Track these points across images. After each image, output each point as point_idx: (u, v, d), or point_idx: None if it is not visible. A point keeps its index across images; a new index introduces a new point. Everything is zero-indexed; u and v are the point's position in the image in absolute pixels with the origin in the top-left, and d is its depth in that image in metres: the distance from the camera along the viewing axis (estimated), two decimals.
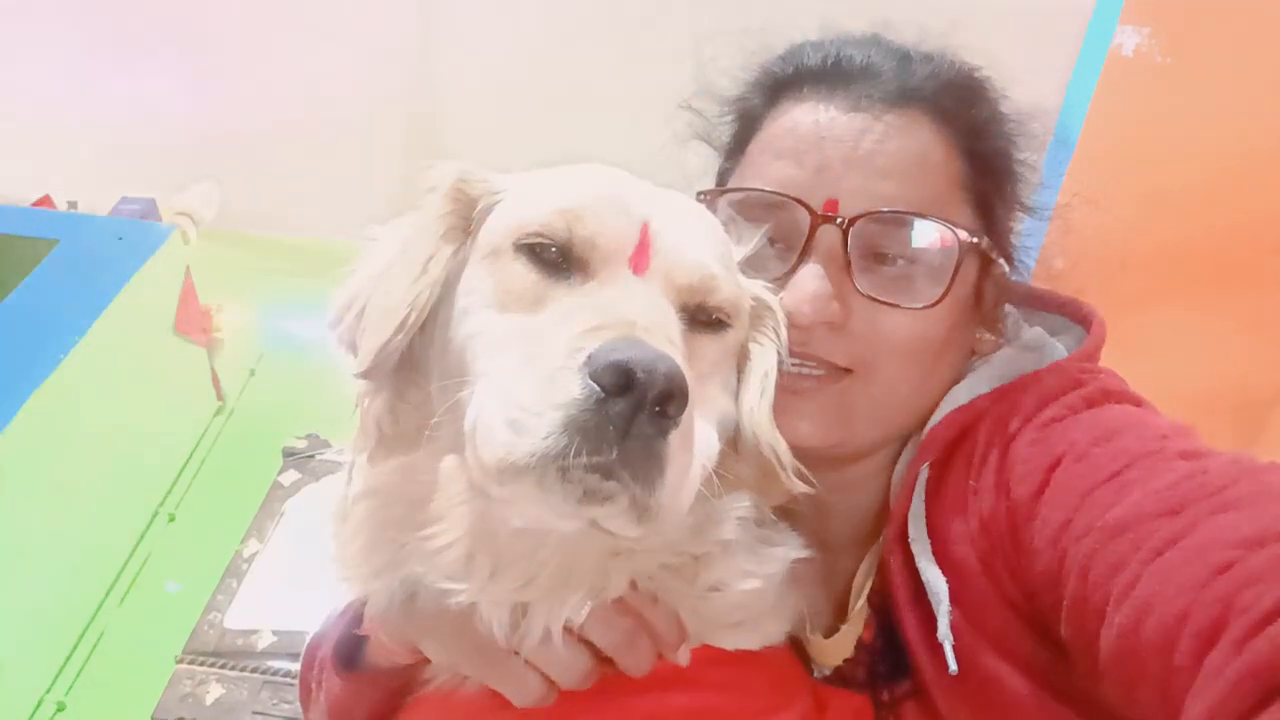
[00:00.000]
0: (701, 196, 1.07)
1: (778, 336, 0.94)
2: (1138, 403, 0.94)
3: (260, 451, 2.73)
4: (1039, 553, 0.83)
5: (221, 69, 3.39)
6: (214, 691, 2.01)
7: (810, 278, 0.96)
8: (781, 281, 0.98)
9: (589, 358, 0.69)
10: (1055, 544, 0.81)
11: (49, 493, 2.43)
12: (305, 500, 2.44)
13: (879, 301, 0.97)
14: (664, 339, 0.73)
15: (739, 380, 0.92)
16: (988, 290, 1.05)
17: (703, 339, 0.86)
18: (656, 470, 0.69)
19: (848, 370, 0.98)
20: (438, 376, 0.86)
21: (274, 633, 2.12)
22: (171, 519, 2.89)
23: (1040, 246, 2.48)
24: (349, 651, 0.99)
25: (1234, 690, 0.59)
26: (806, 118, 1.01)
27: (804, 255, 0.98)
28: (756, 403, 0.90)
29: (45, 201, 2.96)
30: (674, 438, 0.70)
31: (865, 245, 0.98)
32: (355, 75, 3.36)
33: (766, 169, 1.03)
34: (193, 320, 2.91)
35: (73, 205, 3.01)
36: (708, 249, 0.87)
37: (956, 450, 0.97)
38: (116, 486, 2.70)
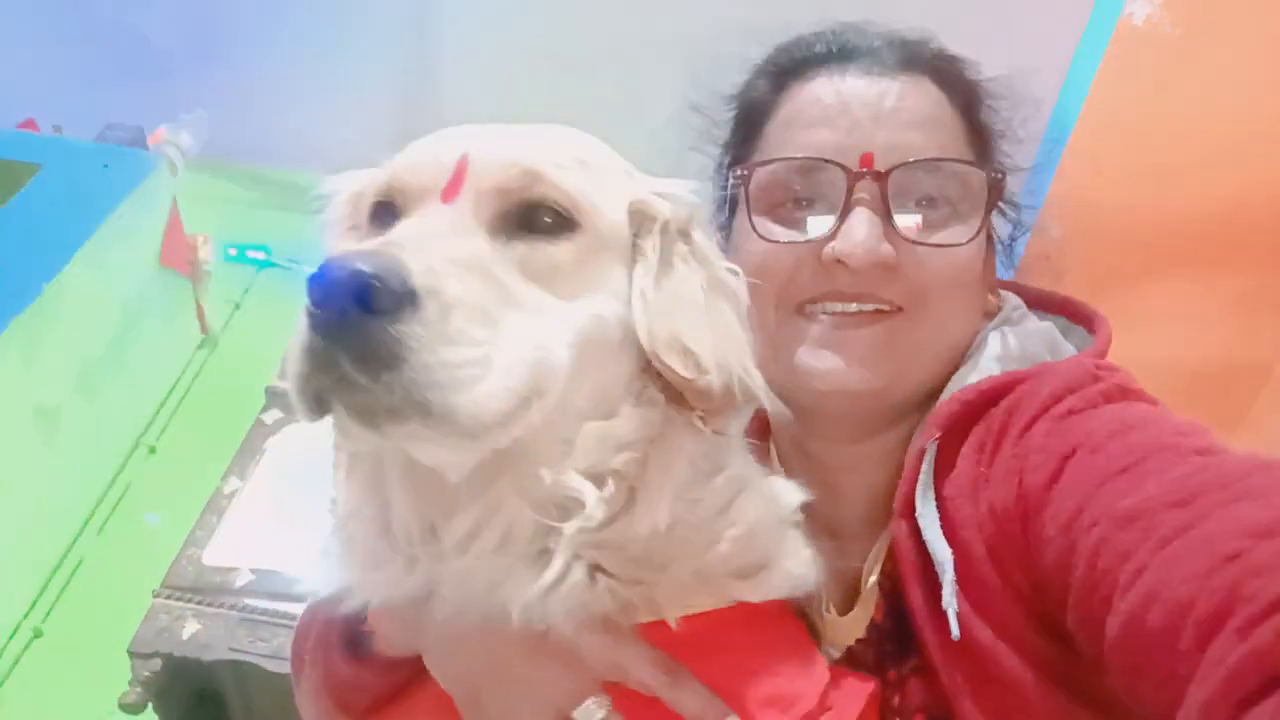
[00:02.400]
0: (739, 173, 1.10)
1: (654, 241, 0.89)
2: (1153, 402, 0.94)
3: (244, 387, 2.71)
4: (1050, 541, 0.83)
5: None
6: (190, 627, 2.00)
7: (860, 223, 1.01)
8: (828, 238, 1.02)
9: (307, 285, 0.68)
10: (1066, 533, 0.81)
11: (29, 420, 2.42)
12: (288, 440, 2.42)
13: (922, 244, 1.02)
14: (416, 250, 0.71)
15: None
16: (992, 241, 1.12)
17: (540, 245, 0.81)
18: (391, 367, 0.67)
19: (899, 310, 1.02)
20: None
21: (252, 571, 2.11)
22: (152, 451, 2.89)
23: (1036, 213, 2.47)
24: (353, 635, 0.97)
25: (1236, 678, 0.59)
26: (827, 89, 1.07)
27: (846, 210, 1.02)
28: (638, 308, 0.85)
29: (29, 125, 2.90)
30: (408, 333, 0.67)
31: (902, 194, 1.03)
32: (351, 8, 3.29)
33: (799, 138, 1.07)
34: (178, 252, 2.88)
35: (58, 130, 2.95)
36: (530, 152, 0.83)
37: (967, 431, 0.98)
38: (98, 417, 2.69)
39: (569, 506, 0.80)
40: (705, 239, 0.92)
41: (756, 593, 0.89)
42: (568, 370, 0.78)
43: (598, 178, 0.87)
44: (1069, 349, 1.08)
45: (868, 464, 1.08)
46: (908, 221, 1.03)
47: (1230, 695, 0.58)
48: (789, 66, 1.13)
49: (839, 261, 1.00)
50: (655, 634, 0.84)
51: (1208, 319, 2.52)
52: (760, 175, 1.09)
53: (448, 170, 0.81)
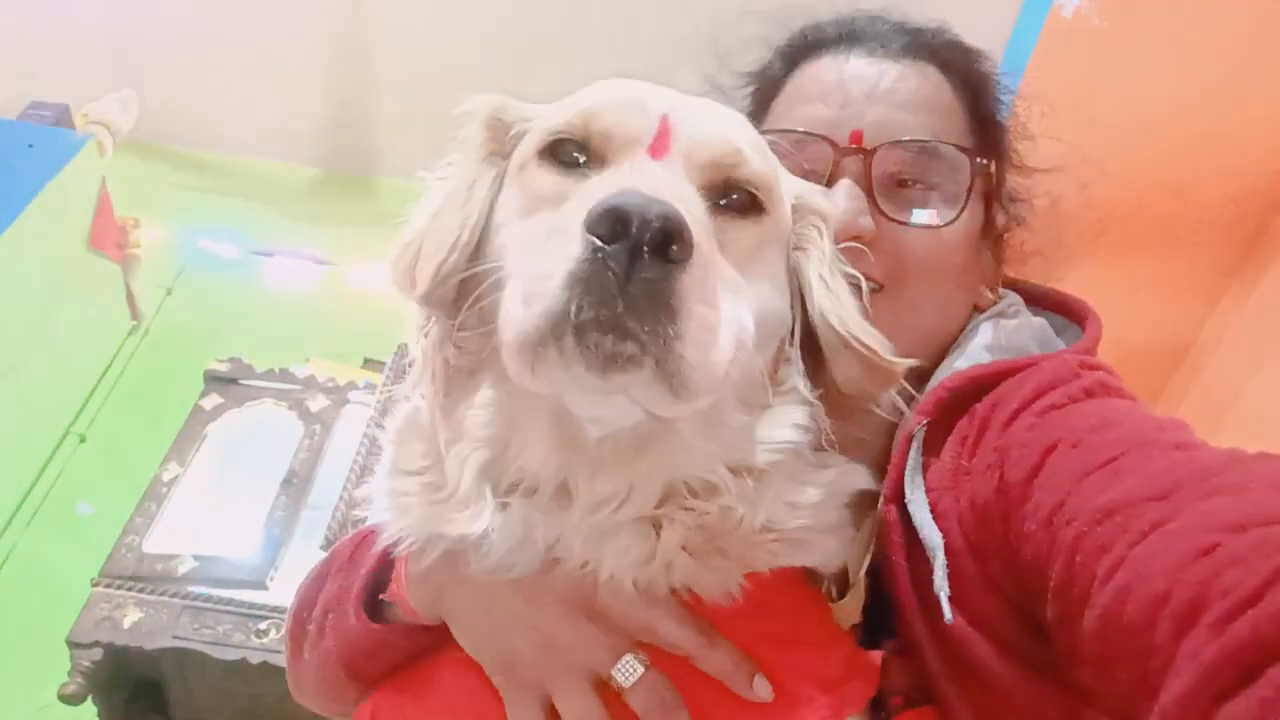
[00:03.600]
0: None
1: (824, 235, 0.92)
2: (1133, 399, 0.95)
3: (177, 373, 2.66)
4: (1029, 535, 0.84)
5: None
6: (132, 615, 1.97)
7: (842, 195, 1.02)
8: None
9: (586, 214, 0.68)
10: (1045, 527, 0.82)
11: None
12: (228, 425, 2.38)
13: (903, 223, 1.04)
14: (673, 198, 0.71)
15: (798, 284, 0.91)
16: (990, 236, 1.13)
17: (734, 223, 0.83)
18: (667, 316, 0.68)
19: (878, 288, 1.01)
20: (488, 297, 0.83)
21: (195, 558, 2.08)
22: (83, 440, 2.81)
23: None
24: (372, 603, 0.95)
25: (1211, 672, 0.59)
26: (830, 67, 1.11)
27: (831, 182, 1.03)
28: (824, 295, 0.87)
29: None
30: (684, 283, 0.69)
31: (887, 173, 1.04)
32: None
33: (796, 112, 1.10)
34: (108, 235, 2.80)
35: None
36: (733, 130, 0.86)
37: (954, 421, 0.98)
38: (24, 404, 2.61)
39: (700, 490, 0.82)
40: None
41: (799, 560, 0.89)
42: (749, 350, 0.79)
43: (775, 165, 0.90)
44: (1059, 345, 1.09)
45: (851, 447, 1.04)
46: (890, 199, 1.05)
47: (1206, 689, 0.59)
48: (802, 47, 1.16)
49: None
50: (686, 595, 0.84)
51: (1126, 302, 2.61)
52: None
53: (652, 124, 0.82)
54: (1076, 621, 0.74)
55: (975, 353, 1.05)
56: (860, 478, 0.94)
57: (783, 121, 1.10)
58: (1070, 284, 2.54)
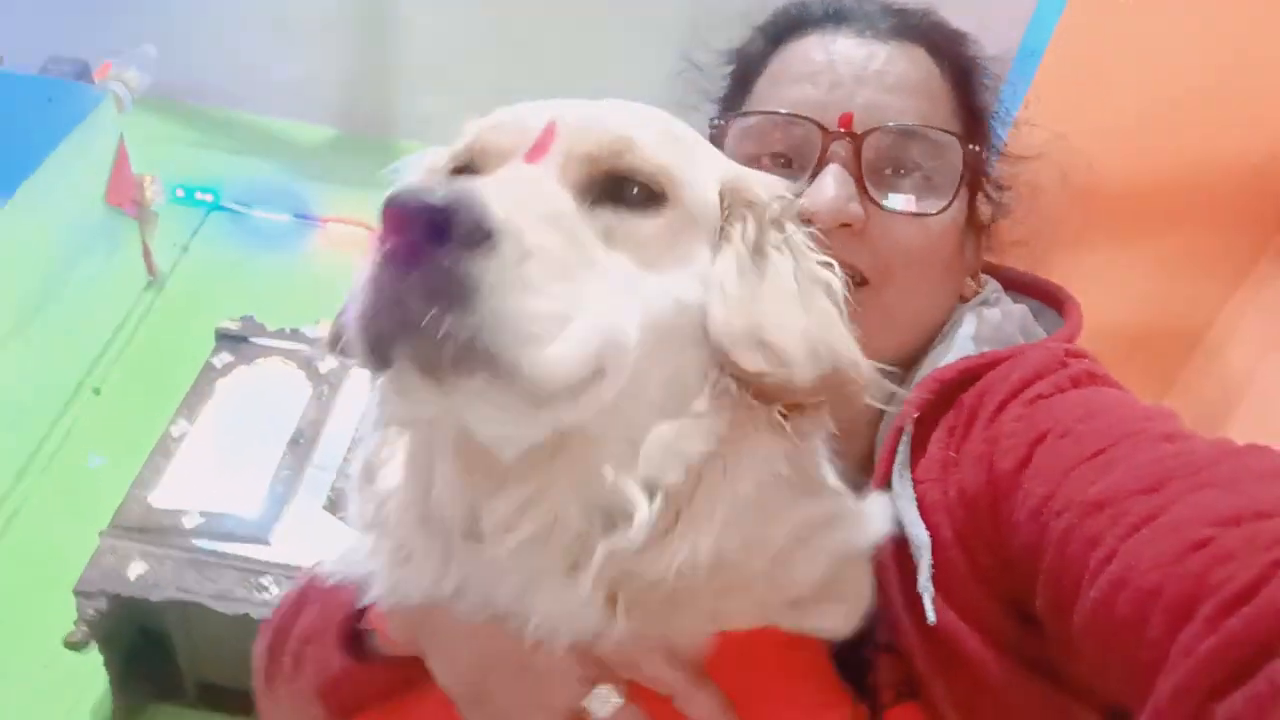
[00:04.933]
0: (715, 123, 1.11)
1: (751, 223, 0.83)
2: (1120, 388, 0.95)
3: (192, 330, 2.68)
4: (1018, 527, 0.83)
5: None
6: (137, 567, 2.00)
7: (831, 181, 0.99)
8: (798, 195, 0.95)
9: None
10: (1035, 519, 0.81)
11: None
12: (237, 383, 2.41)
13: (892, 210, 1.01)
14: (498, 193, 0.66)
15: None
16: (975, 225, 1.11)
17: (631, 216, 0.76)
18: (467, 302, 0.62)
19: (864, 282, 0.99)
20: None
21: (201, 513, 2.10)
22: (96, 393, 2.84)
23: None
24: (352, 633, 0.92)
25: (1204, 669, 0.58)
26: (817, 46, 1.07)
27: (818, 168, 1.00)
28: (717, 295, 0.79)
29: None
30: (485, 268, 0.62)
31: (877, 158, 1.02)
32: None
33: (780, 93, 1.06)
34: (125, 191, 2.82)
35: None
36: (626, 121, 0.80)
37: (940, 413, 0.96)
38: (39, 357, 2.64)
39: (614, 517, 0.74)
40: (799, 232, 0.86)
41: (799, 624, 0.82)
42: (636, 351, 0.72)
43: (688, 153, 0.83)
44: (1040, 332, 1.09)
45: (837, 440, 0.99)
46: (881, 186, 1.02)
47: (1200, 685, 0.58)
48: (786, 25, 1.13)
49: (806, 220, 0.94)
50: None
51: (1143, 284, 2.59)
52: (737, 127, 1.08)
53: (533, 133, 0.77)
54: (1067, 614, 0.73)
55: (962, 343, 1.03)
56: (846, 534, 0.86)
57: (768, 102, 1.07)
58: (1086, 266, 2.53)
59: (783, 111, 1.04)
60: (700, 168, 0.83)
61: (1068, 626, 0.73)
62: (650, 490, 0.74)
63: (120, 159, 2.78)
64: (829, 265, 0.85)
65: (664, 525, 0.74)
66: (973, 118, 1.10)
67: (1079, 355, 0.96)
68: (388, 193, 0.63)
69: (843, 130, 1.01)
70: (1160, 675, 0.62)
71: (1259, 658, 0.56)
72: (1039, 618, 0.80)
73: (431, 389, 0.64)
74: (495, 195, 0.65)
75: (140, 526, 2.09)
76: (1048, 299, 1.14)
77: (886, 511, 0.89)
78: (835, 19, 1.09)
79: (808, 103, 1.03)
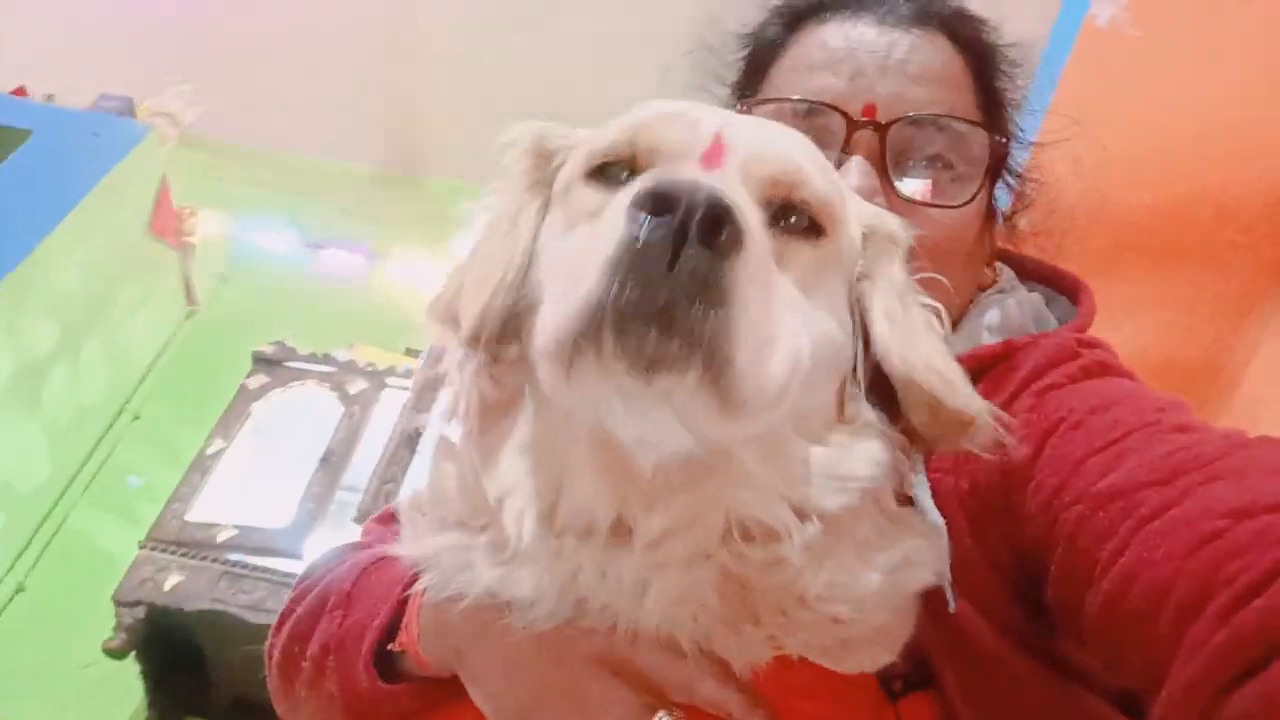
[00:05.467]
0: (738, 109, 1.08)
1: (896, 262, 0.82)
2: (1133, 378, 0.94)
3: (229, 358, 2.77)
4: (1030, 518, 0.82)
5: None
6: (174, 578, 2.07)
7: (856, 173, 0.97)
8: None
9: (630, 196, 0.63)
10: (1047, 510, 0.80)
11: (15, 381, 2.46)
12: (272, 404, 2.49)
13: (916, 203, 0.99)
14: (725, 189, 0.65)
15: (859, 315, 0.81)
16: (993, 214, 1.10)
17: (792, 243, 0.75)
18: (716, 306, 0.61)
19: None
20: (527, 329, 0.76)
21: (235, 527, 2.17)
22: (136, 417, 2.93)
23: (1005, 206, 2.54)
24: (381, 653, 0.89)
25: (1216, 663, 0.59)
26: (836, 33, 1.05)
27: (842, 159, 0.98)
28: (886, 330, 0.78)
29: (20, 92, 2.94)
30: (735, 275, 0.62)
31: (900, 149, 1.00)
32: None
33: (801, 82, 1.04)
34: (168, 223, 2.92)
35: (49, 98, 2.99)
36: (795, 148, 0.80)
37: None
38: (81, 381, 2.73)
39: (759, 535, 0.73)
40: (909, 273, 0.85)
41: (838, 664, 0.79)
42: (806, 374, 0.70)
43: (840, 189, 0.82)
44: (1053, 321, 1.07)
45: None
46: (904, 178, 1.00)
47: (1212, 679, 0.58)
48: (803, 9, 1.10)
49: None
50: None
51: (1163, 314, 2.61)
52: (757, 114, 1.03)
53: (704, 138, 0.75)
54: (1079, 605, 0.73)
55: (978, 333, 1.02)
56: (924, 572, 0.82)
57: (788, 90, 1.04)
58: (1110, 296, 2.56)
59: (807, 100, 1.02)
60: (849, 205, 0.82)
61: (1080, 617, 0.73)
62: (800, 514, 0.73)
63: (163, 192, 2.89)
64: (936, 311, 0.84)
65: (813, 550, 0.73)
66: (993, 105, 1.09)
67: (1092, 344, 0.96)
68: (652, 178, 0.62)
69: (866, 120, 0.99)
70: (1172, 668, 0.62)
71: (1270, 653, 0.56)
72: (1050, 607, 0.79)
73: (634, 382, 0.62)
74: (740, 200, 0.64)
75: (176, 540, 2.16)
76: (1061, 287, 1.12)
77: (942, 544, 0.86)
78: (855, 4, 1.07)
79: (830, 92, 1.01)
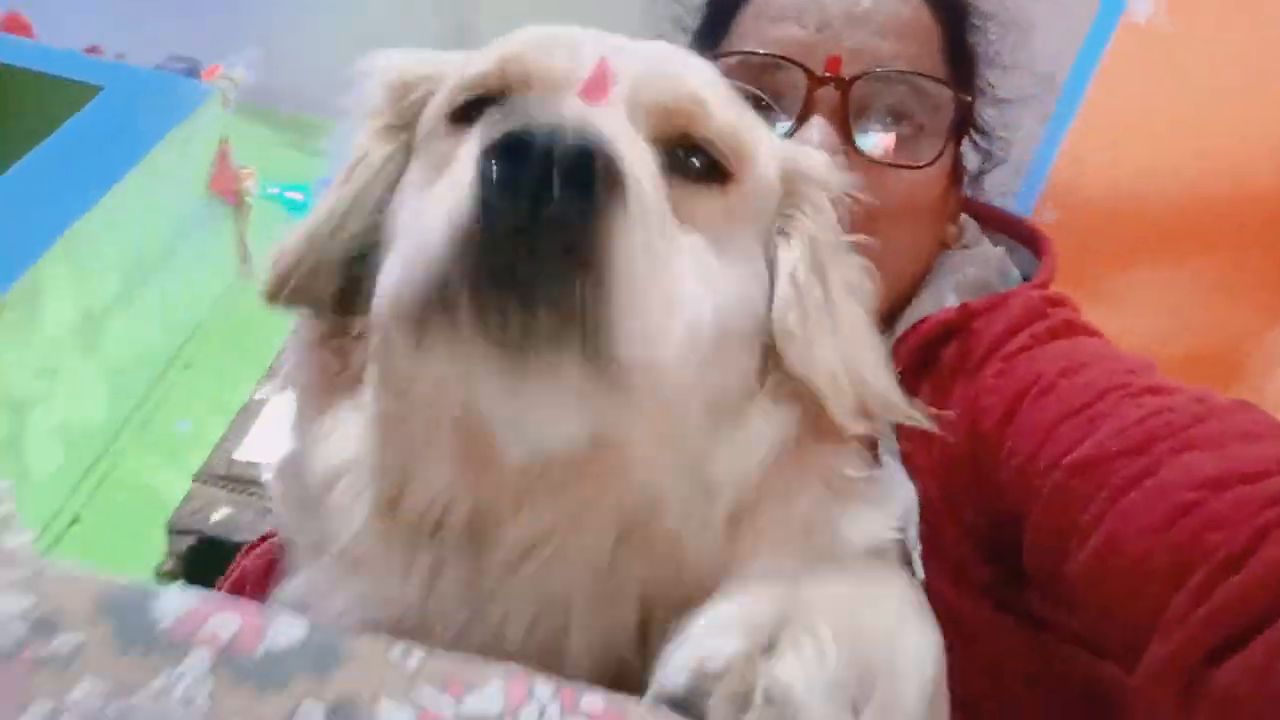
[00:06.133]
0: None
1: (816, 213, 0.72)
2: (1098, 335, 0.93)
3: (276, 316, 2.87)
4: (1004, 485, 0.82)
5: None
6: (222, 511, 2.18)
7: (815, 134, 0.94)
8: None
9: (481, 147, 0.51)
10: (1021, 476, 0.79)
11: (77, 322, 2.58)
12: None
13: (879, 162, 0.96)
14: (602, 128, 0.54)
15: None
16: (959, 172, 1.09)
17: (693, 190, 0.65)
18: (588, 265, 0.50)
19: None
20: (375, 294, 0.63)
21: None
22: (188, 366, 3.06)
23: (1036, 197, 2.59)
24: None
25: (1198, 636, 0.58)
26: None
27: (804, 115, 0.95)
28: (782, 306, 0.68)
29: (94, 50, 3.07)
30: (612, 227, 0.51)
31: (863, 105, 0.97)
32: None
33: (765, 31, 1.00)
34: (226, 181, 3.04)
35: (120, 57, 3.12)
36: (694, 75, 0.68)
37: (921, 374, 0.94)
38: (139, 329, 2.86)
39: (649, 535, 0.62)
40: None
41: None
42: (712, 343, 0.61)
43: (750, 122, 0.72)
44: (1016, 274, 1.05)
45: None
46: (867, 136, 0.97)
47: (1195, 652, 0.58)
48: None
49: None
50: None
51: (1183, 308, 2.64)
52: (719, 69, 0.91)
53: (585, 66, 0.64)
54: (1057, 572, 0.73)
55: (942, 294, 1.00)
56: (879, 526, 0.72)
57: (749, 41, 1.00)
58: (1130, 289, 2.59)
59: (768, 54, 0.97)
60: (762, 143, 0.72)
61: (1056, 583, 0.73)
62: (701, 509, 0.63)
63: (222, 152, 3.01)
64: (861, 265, 0.76)
65: (717, 543, 0.64)
66: (962, 59, 1.05)
67: (1058, 302, 0.95)
68: (506, 121, 0.51)
69: (829, 76, 0.95)
70: (1153, 640, 0.62)
71: (1252, 626, 0.56)
72: (1029, 573, 0.79)
73: (502, 359, 0.52)
74: (613, 136, 0.54)
75: (225, 476, 2.27)
76: (1022, 237, 1.10)
77: (909, 512, 0.83)
78: None
79: (793, 43, 0.97)
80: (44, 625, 0.36)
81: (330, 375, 0.69)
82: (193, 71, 2.97)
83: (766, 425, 0.67)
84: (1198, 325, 2.71)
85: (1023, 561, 0.79)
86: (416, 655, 0.40)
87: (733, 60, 0.99)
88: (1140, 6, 2.37)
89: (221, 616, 0.38)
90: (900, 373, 0.79)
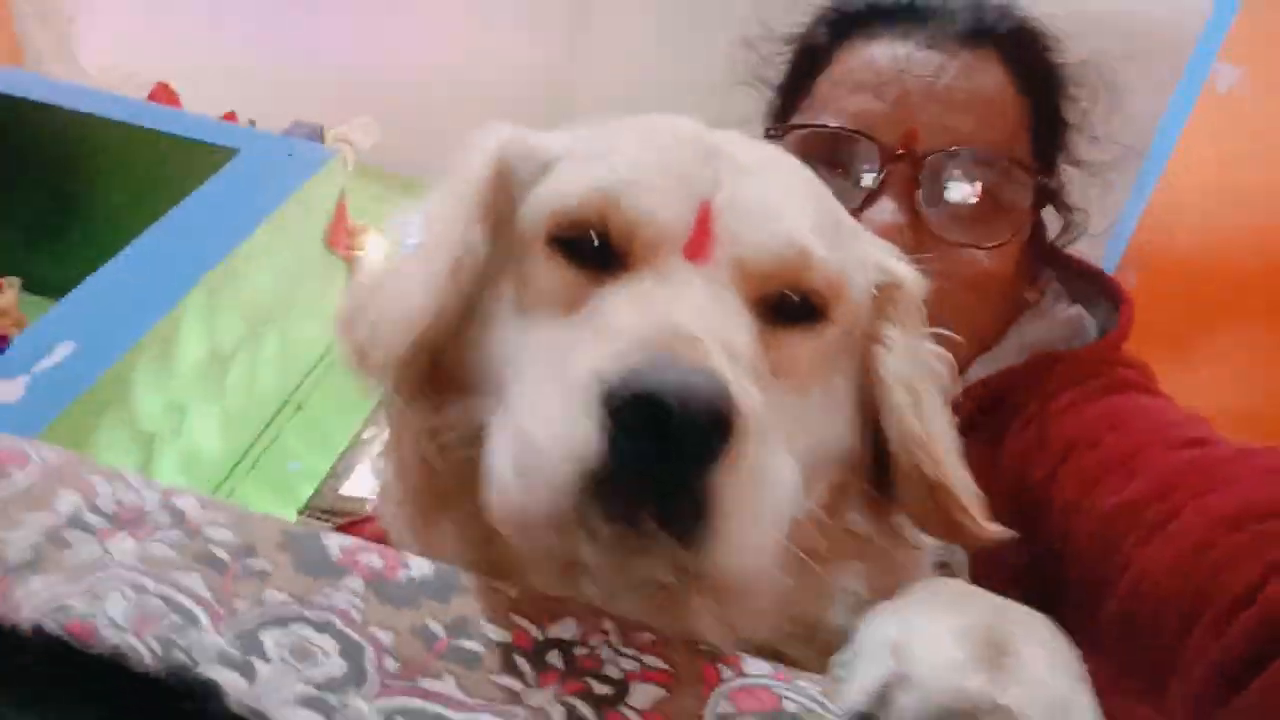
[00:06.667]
0: (770, 133, 1.05)
1: (912, 322, 0.74)
2: (1155, 393, 0.94)
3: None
4: (1049, 536, 0.84)
5: (386, 21, 3.76)
6: None
7: (885, 211, 0.95)
8: (854, 217, 0.86)
9: (608, 391, 0.53)
10: (1063, 526, 0.82)
11: (205, 364, 2.79)
12: None
13: (950, 242, 0.96)
14: (717, 350, 0.56)
15: (874, 387, 0.73)
16: (1038, 239, 1.10)
17: (789, 336, 0.66)
18: (703, 522, 0.53)
19: None
20: (475, 392, 0.70)
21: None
22: (299, 408, 3.26)
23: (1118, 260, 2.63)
24: None
25: (1215, 672, 0.61)
26: (884, 52, 1.00)
27: (877, 191, 0.95)
28: (904, 414, 0.69)
29: (230, 117, 3.34)
30: (727, 479, 0.54)
31: (937, 182, 0.96)
32: (506, 41, 3.67)
33: (843, 102, 1.00)
34: (342, 236, 3.26)
35: (252, 123, 3.38)
36: (796, 217, 0.68)
37: (975, 428, 0.91)
38: (258, 372, 3.07)
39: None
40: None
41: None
42: (794, 502, 0.63)
43: (849, 249, 0.72)
44: (1090, 334, 1.05)
45: None
46: (940, 212, 0.96)
47: (1210, 691, 0.61)
48: (853, 17, 1.05)
49: None
50: None
51: (1265, 367, 2.62)
52: (795, 134, 1.02)
53: (688, 213, 0.65)
54: (1092, 617, 0.74)
55: (1008, 353, 1.01)
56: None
57: (828, 111, 1.00)
58: (1214, 348, 2.59)
59: (841, 128, 0.98)
60: (858, 268, 0.72)
61: (1094, 632, 0.73)
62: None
63: (340, 210, 3.23)
64: (940, 357, 0.77)
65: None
66: (1049, 131, 1.05)
67: (1116, 362, 0.96)
68: (628, 376, 0.52)
69: (902, 152, 0.95)
70: (1172, 681, 0.65)
71: (1268, 654, 0.59)
72: (1065, 626, 0.79)
73: (619, 565, 0.56)
74: (717, 357, 0.56)
75: (330, 509, 2.43)
76: (1104, 293, 1.09)
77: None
78: (906, 16, 1.01)
79: (870, 116, 0.97)
80: (243, 550, 0.49)
81: (435, 478, 0.70)
82: (316, 135, 3.21)
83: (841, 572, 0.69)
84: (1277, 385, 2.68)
85: (1060, 614, 0.81)
86: (513, 591, 0.51)
87: (807, 132, 1.02)
88: (1224, 76, 2.41)
89: (372, 554, 0.50)
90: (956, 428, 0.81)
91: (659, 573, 0.56)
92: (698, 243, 0.63)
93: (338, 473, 2.56)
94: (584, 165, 0.70)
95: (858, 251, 0.73)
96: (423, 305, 0.69)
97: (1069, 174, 1.11)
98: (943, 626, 0.51)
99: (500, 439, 0.59)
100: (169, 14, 3.76)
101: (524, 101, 3.87)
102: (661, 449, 0.51)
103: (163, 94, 3.38)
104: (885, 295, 0.73)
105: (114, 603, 0.41)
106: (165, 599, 0.43)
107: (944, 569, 0.81)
